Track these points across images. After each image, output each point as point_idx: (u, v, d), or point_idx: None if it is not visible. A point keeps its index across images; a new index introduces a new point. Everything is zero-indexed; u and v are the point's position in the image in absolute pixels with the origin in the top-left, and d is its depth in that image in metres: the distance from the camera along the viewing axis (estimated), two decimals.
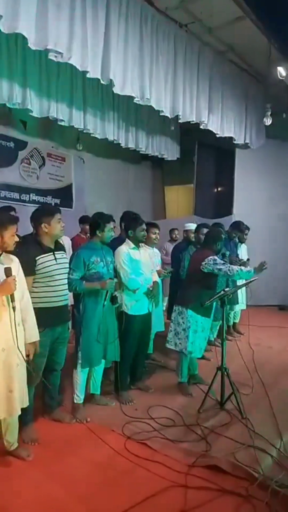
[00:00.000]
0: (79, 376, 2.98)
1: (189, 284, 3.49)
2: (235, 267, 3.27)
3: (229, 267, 3.25)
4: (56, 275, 2.64)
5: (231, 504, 2.05)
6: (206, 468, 2.34)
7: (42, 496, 2.12)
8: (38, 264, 2.58)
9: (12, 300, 2.21)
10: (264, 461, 2.39)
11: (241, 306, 5.32)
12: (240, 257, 5.17)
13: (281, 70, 5.17)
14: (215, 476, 2.26)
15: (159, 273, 3.89)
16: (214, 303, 3.36)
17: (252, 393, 3.42)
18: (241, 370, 3.80)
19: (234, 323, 5.47)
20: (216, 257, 3.34)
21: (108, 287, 2.92)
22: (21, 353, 2.25)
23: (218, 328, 4.62)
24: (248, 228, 5.37)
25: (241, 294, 5.21)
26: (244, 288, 5.08)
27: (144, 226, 3.37)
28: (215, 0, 4.48)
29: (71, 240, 5.05)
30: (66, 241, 4.80)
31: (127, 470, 2.33)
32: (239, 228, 5.15)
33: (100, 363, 3.09)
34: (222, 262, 3.34)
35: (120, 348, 3.14)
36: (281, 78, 5.23)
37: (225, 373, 3.10)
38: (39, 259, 2.58)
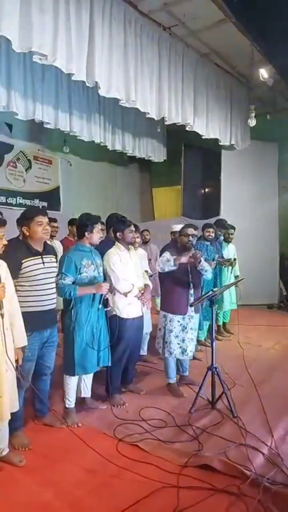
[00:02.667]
0: (71, 381, 2.95)
1: (160, 284, 3.52)
2: (159, 263, 3.34)
3: (162, 263, 3.31)
4: (43, 279, 2.61)
5: (224, 503, 2.06)
6: (198, 467, 2.34)
7: (34, 501, 2.09)
8: (24, 267, 2.54)
9: (1, 307, 2.19)
10: (256, 459, 2.41)
11: (231, 306, 5.36)
12: (225, 257, 5.22)
13: (263, 72, 5.25)
14: (207, 475, 2.27)
15: None
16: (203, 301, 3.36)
17: (243, 391, 3.44)
18: (231, 369, 3.83)
19: (224, 322, 5.51)
20: (164, 253, 3.39)
21: (103, 291, 2.89)
22: (10, 359, 2.22)
23: (208, 328, 4.65)
24: (233, 228, 5.41)
25: (230, 294, 5.25)
26: (233, 288, 5.13)
27: (132, 228, 3.35)
28: (197, 3, 4.53)
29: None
30: (58, 247, 4.78)
31: (119, 473, 2.32)
32: (222, 225, 5.19)
33: (95, 370, 3.06)
34: (166, 259, 3.33)
35: (112, 351, 3.12)
36: (263, 80, 5.31)
37: (216, 372, 3.12)
38: (25, 262, 2.55)
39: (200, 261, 3.36)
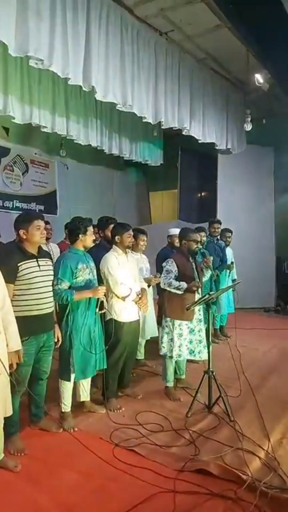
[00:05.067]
0: (66, 385, 2.93)
1: (163, 289, 3.50)
2: (171, 284, 3.29)
3: (166, 281, 3.30)
4: (39, 282, 2.60)
5: (220, 507, 2.05)
6: (194, 472, 2.33)
7: (29, 506, 2.08)
8: (21, 271, 2.53)
9: None
10: (252, 463, 2.40)
11: (229, 309, 5.37)
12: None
13: (258, 77, 5.29)
14: (203, 480, 2.26)
15: (149, 281, 3.86)
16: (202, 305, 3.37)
17: (240, 395, 3.44)
18: (228, 373, 3.82)
19: (221, 326, 5.51)
20: (170, 261, 3.38)
21: (99, 294, 2.89)
22: (2, 363, 2.20)
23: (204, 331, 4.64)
24: (230, 231, 5.43)
25: (228, 297, 5.26)
26: (231, 291, 5.14)
27: (131, 232, 3.35)
28: (193, 8, 4.56)
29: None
30: (55, 249, 4.78)
31: (115, 478, 2.30)
32: (214, 221, 5.23)
33: (94, 374, 3.06)
34: (167, 270, 3.34)
35: (108, 355, 3.11)
36: (259, 84, 5.35)
37: (212, 376, 3.11)
38: (21, 265, 2.54)
39: (209, 266, 3.39)
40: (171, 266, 3.37)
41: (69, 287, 2.84)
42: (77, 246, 2.99)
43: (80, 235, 2.95)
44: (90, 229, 2.99)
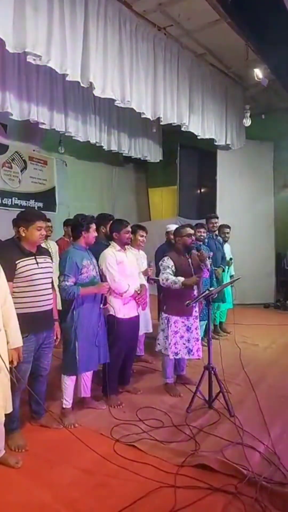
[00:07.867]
0: (69, 380, 2.95)
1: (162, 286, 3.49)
2: (168, 278, 3.25)
3: (163, 277, 3.27)
4: (38, 279, 2.60)
5: (221, 502, 2.06)
6: (195, 467, 2.34)
7: (31, 503, 2.09)
8: (19, 268, 2.53)
9: None
10: (253, 458, 2.42)
11: (227, 305, 5.38)
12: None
13: (258, 72, 5.26)
14: (204, 474, 2.27)
15: (145, 272, 3.90)
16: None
17: (240, 391, 3.45)
18: (228, 369, 3.83)
19: (220, 322, 5.52)
20: (165, 258, 3.37)
21: (104, 290, 2.93)
22: (3, 360, 2.20)
23: (204, 327, 4.65)
24: (229, 227, 5.43)
25: (227, 293, 5.26)
26: (230, 287, 5.14)
27: (129, 228, 3.36)
28: (192, 3, 4.53)
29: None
30: (53, 247, 4.78)
31: (116, 473, 2.31)
32: (212, 217, 5.24)
33: (96, 367, 3.09)
34: (164, 267, 3.32)
35: (108, 352, 3.13)
36: (258, 80, 5.32)
37: (212, 372, 3.12)
38: (19, 262, 2.54)
39: (206, 260, 3.38)
40: (167, 262, 3.36)
41: (75, 283, 2.87)
42: (80, 243, 3.03)
43: (82, 232, 2.99)
44: (93, 226, 3.02)
